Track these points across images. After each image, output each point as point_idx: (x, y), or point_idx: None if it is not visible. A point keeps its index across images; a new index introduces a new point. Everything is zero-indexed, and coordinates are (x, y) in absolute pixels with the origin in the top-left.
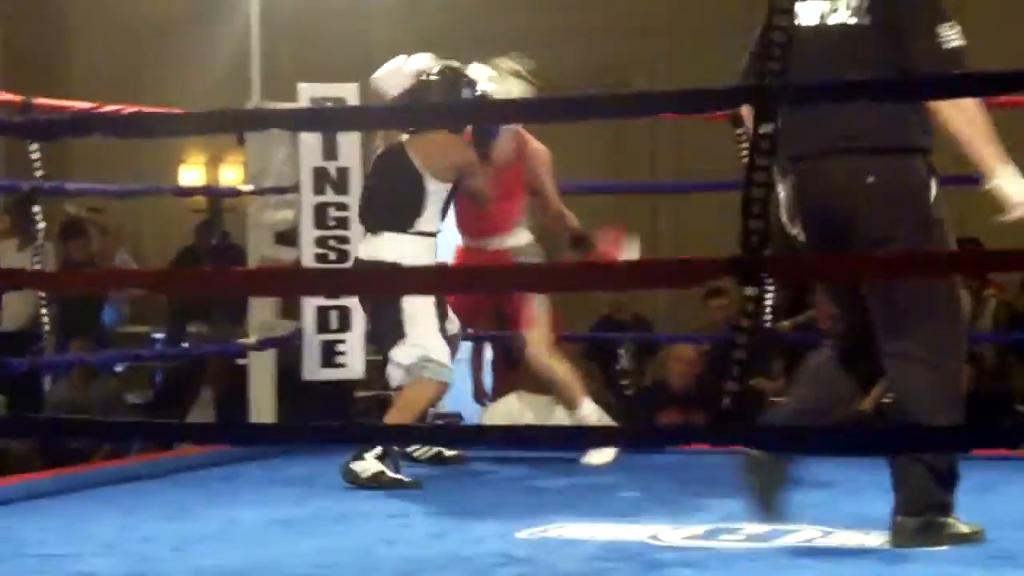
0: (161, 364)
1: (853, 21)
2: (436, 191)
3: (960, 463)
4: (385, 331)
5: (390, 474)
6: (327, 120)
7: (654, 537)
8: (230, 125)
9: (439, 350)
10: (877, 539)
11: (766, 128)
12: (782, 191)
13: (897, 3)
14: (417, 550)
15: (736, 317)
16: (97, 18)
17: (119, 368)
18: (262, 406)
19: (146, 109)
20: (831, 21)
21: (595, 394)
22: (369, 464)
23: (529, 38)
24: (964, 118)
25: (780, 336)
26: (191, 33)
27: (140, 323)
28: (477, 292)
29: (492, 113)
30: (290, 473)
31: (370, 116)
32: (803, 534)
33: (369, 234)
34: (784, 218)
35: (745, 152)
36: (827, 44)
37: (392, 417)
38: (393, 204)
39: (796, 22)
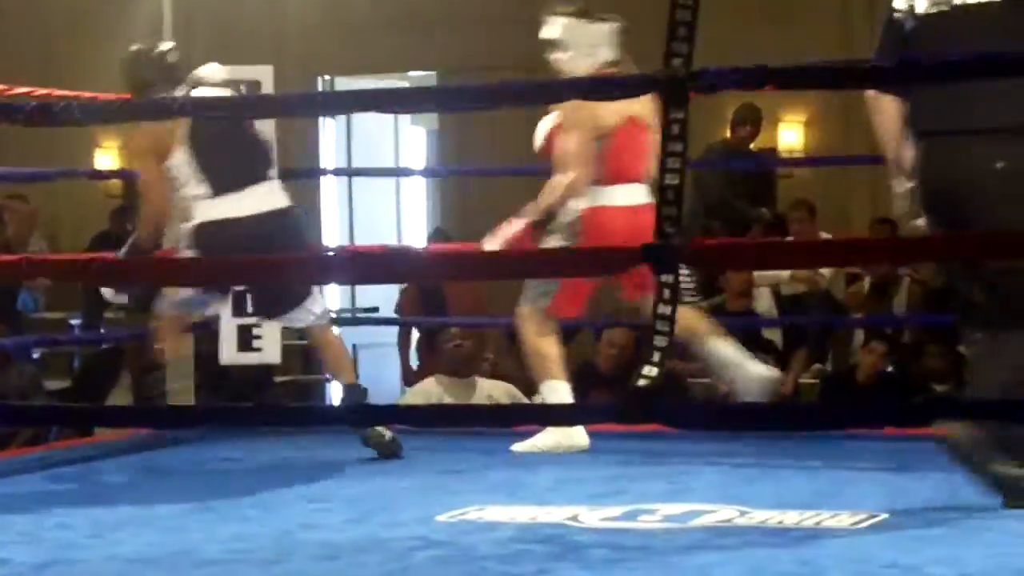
0: (79, 350)
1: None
2: None
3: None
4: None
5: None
6: (231, 107)
7: (573, 519)
8: (135, 112)
9: None
10: (793, 518)
11: (676, 115)
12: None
13: None
14: (336, 534)
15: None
16: None
17: (36, 354)
18: (180, 390)
19: (58, 92)
20: (964, 2)
21: (523, 377)
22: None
23: (449, 24)
24: None
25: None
26: (104, 13)
27: (57, 309)
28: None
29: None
30: (209, 458)
31: (279, 103)
32: (720, 514)
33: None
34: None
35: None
36: (974, 23)
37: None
38: None
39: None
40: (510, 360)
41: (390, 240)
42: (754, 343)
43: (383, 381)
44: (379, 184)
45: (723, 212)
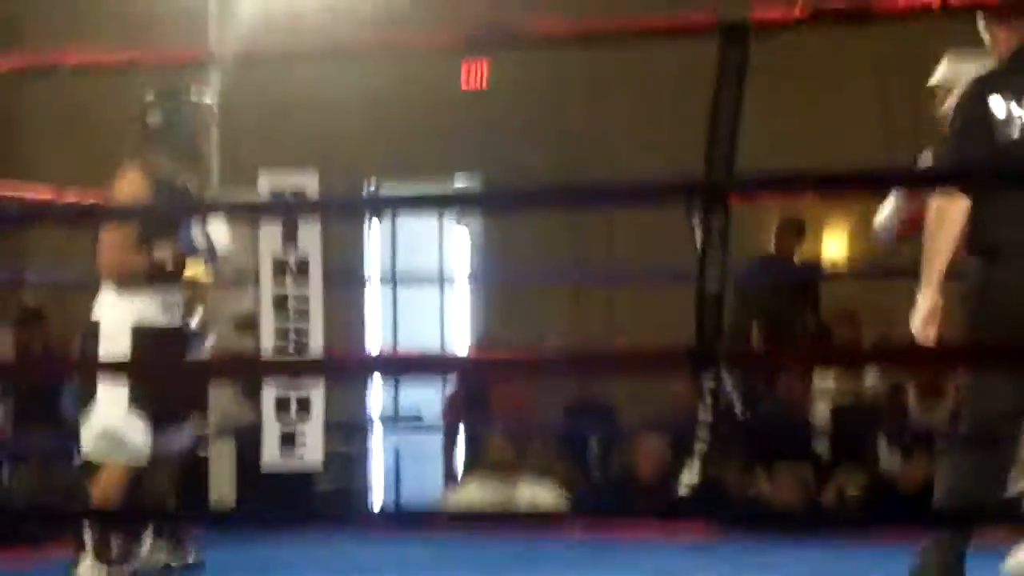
0: None
1: None
2: None
3: None
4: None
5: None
6: (278, 210)
7: None
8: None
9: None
10: None
11: (716, 222)
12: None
13: None
14: None
15: (696, 407)
16: (58, 108)
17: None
18: (221, 493)
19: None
20: None
21: (567, 480)
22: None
23: (477, 130)
24: None
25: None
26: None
27: None
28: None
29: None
30: (250, 561)
31: (322, 207)
32: None
33: None
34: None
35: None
36: None
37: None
38: None
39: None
40: (557, 463)
41: (434, 346)
42: (799, 452)
43: (426, 489)
44: (425, 288)
45: (769, 322)
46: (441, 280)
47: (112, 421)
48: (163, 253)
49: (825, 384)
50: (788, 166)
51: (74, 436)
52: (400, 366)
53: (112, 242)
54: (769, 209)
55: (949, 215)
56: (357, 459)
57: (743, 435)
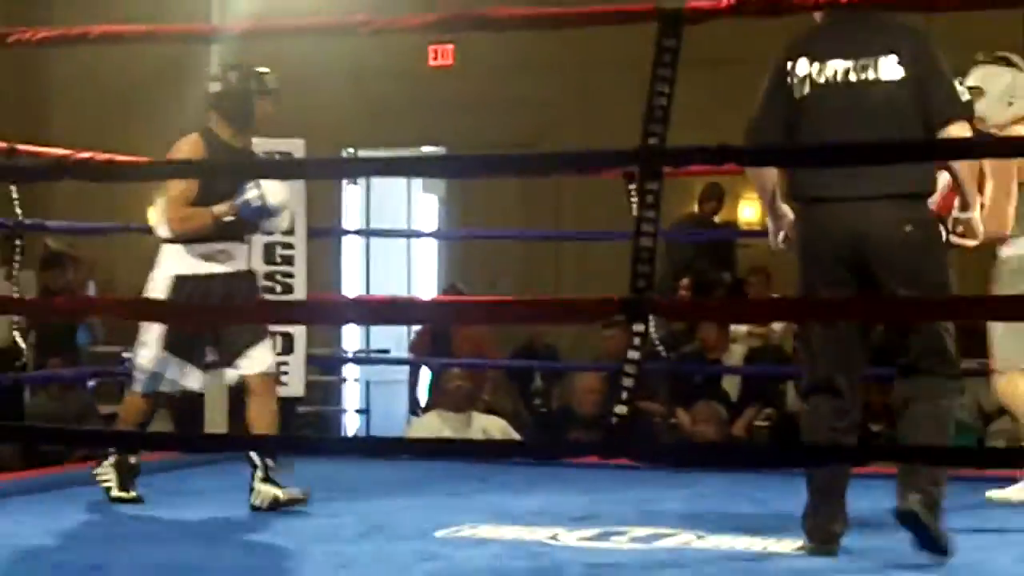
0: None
1: (888, 78)
2: None
3: None
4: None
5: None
6: (269, 170)
7: (554, 538)
8: (186, 173)
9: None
10: (744, 543)
11: (651, 185)
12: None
13: (923, 63)
14: (347, 546)
15: (626, 349)
16: (76, 78)
17: (92, 383)
18: (215, 419)
19: (116, 157)
20: (866, 77)
21: (514, 413)
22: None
23: (459, 106)
24: (968, 167)
25: (668, 364)
26: (157, 93)
27: (112, 343)
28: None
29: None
30: (236, 478)
31: (307, 168)
32: (681, 537)
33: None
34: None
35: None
36: (865, 99)
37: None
38: None
39: (812, 79)
40: (505, 398)
41: (402, 293)
42: (713, 391)
43: (392, 414)
44: (393, 244)
45: (691, 275)
46: (409, 236)
47: (142, 359)
48: (220, 209)
49: (740, 330)
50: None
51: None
52: (371, 309)
53: (173, 199)
54: (695, 177)
55: (760, 173)
56: (333, 387)
57: (667, 375)
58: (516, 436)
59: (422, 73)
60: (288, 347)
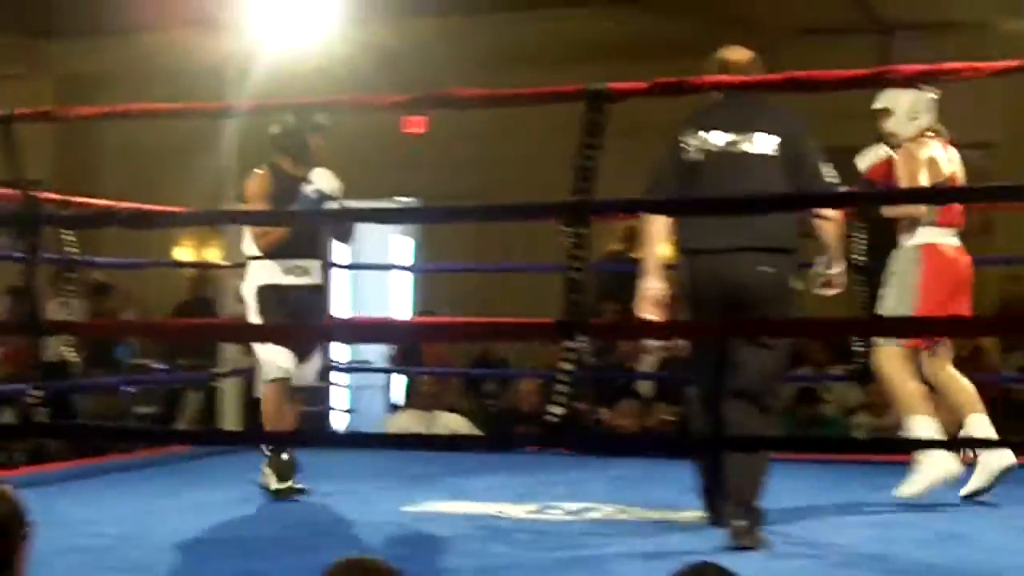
0: (159, 387)
1: (763, 152)
2: None
3: None
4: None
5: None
6: (271, 218)
7: (501, 512)
8: (206, 221)
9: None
10: (657, 514)
11: (579, 230)
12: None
13: (795, 143)
14: (327, 517)
15: (561, 361)
16: (121, 145)
17: (131, 389)
18: (230, 417)
19: (150, 208)
20: (744, 149)
21: (472, 411)
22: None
23: (427, 164)
24: (834, 228)
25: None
26: (184, 157)
27: (146, 357)
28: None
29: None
30: (246, 466)
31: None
32: (605, 510)
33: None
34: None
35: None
36: (741, 167)
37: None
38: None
39: (700, 148)
40: (464, 399)
41: (383, 314)
42: (630, 392)
43: (373, 413)
44: (376, 277)
45: (614, 301)
46: (387, 268)
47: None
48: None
49: (655, 343)
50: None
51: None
52: (358, 329)
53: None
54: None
55: (649, 223)
56: (323, 392)
57: (593, 380)
58: (474, 430)
59: (397, 137)
60: None
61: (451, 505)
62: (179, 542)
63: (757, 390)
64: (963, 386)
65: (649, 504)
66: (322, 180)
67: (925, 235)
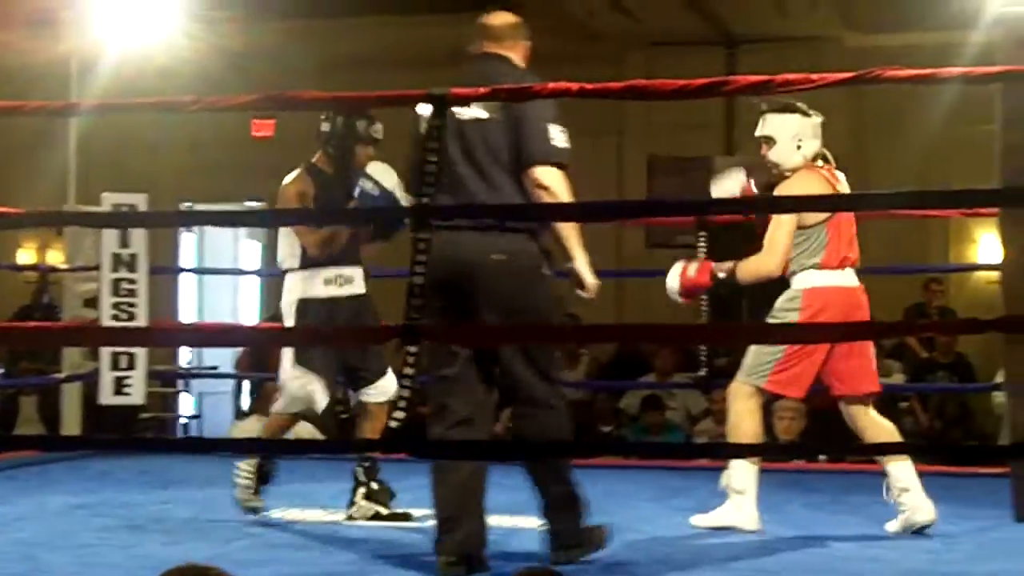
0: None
1: (478, 117)
2: None
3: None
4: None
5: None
6: (116, 220)
7: (349, 518)
8: (49, 222)
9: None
10: (497, 520)
11: (422, 235)
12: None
13: (517, 107)
14: (178, 525)
15: (404, 366)
16: None
17: None
18: (70, 422)
19: None
20: (469, 116)
21: (319, 417)
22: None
23: (275, 168)
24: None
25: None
26: (29, 156)
27: None
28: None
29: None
30: (88, 471)
31: (148, 219)
32: None
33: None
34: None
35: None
36: (466, 135)
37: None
38: None
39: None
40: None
41: (229, 320)
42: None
43: (220, 420)
44: (223, 281)
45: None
46: (236, 273)
47: (289, 380)
48: (333, 230)
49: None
50: None
51: None
52: (203, 334)
53: (303, 231)
54: None
55: None
56: (171, 397)
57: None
58: (320, 436)
59: (247, 140)
60: (131, 364)
61: (297, 512)
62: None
63: (539, 394)
64: (884, 429)
65: (493, 510)
66: (382, 175)
67: (809, 279)
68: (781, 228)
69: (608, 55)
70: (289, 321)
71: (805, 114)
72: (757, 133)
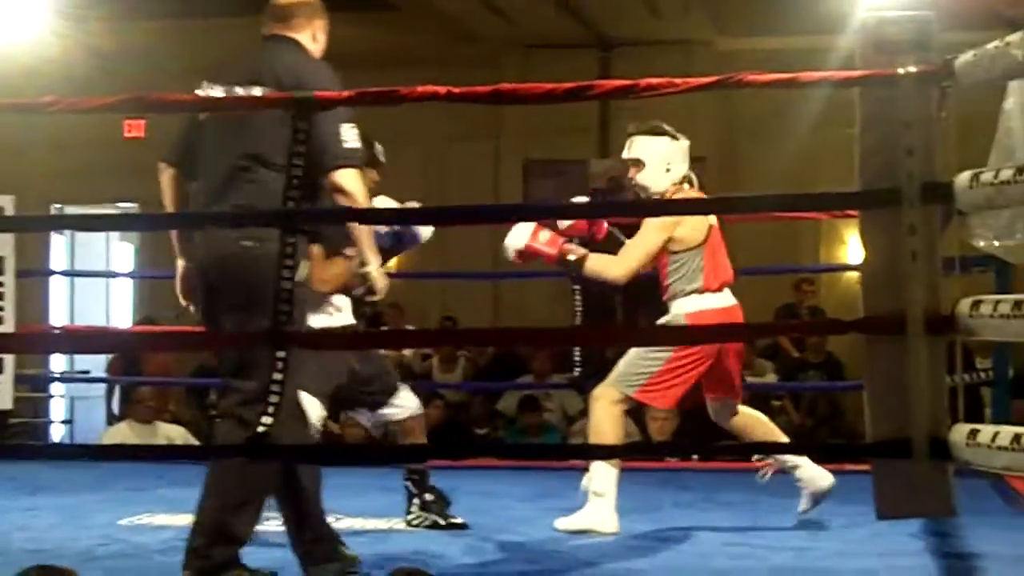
0: None
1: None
2: None
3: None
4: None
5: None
6: None
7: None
8: None
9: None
10: (372, 523)
11: (290, 239)
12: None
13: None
14: (42, 534)
15: (272, 372)
16: None
17: None
18: None
19: None
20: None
21: (194, 421)
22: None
23: (148, 169)
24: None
25: None
26: None
27: None
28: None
29: None
30: None
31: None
32: None
33: None
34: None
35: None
36: (231, 122)
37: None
38: None
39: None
40: (186, 409)
41: (102, 323)
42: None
43: (92, 425)
44: (95, 284)
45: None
46: (107, 276)
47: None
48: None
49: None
50: None
51: None
52: (73, 339)
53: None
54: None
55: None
56: (42, 402)
57: None
58: (194, 441)
59: (119, 141)
60: None
61: (168, 517)
62: None
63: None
64: (758, 420)
65: (366, 513)
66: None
67: (691, 303)
68: (641, 245)
69: (485, 58)
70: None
71: (674, 137)
72: (625, 155)
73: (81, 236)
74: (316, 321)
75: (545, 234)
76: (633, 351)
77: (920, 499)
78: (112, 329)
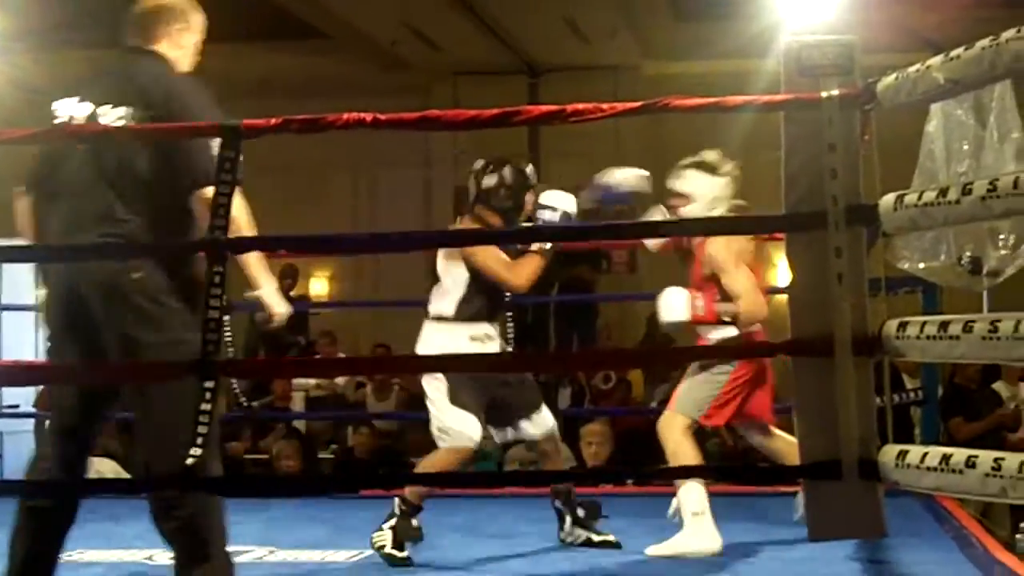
0: None
1: (123, 123)
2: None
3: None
4: None
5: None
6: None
7: (150, 559)
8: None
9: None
10: (306, 555)
11: (217, 268)
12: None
13: (162, 119)
14: None
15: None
16: None
17: None
18: None
19: None
20: (104, 119)
21: (125, 456)
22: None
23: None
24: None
25: (249, 413)
26: None
27: None
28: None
29: None
30: None
31: None
32: (255, 553)
33: None
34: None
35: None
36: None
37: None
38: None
39: (65, 116)
40: (117, 443)
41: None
42: (292, 430)
43: (22, 461)
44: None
45: (269, 340)
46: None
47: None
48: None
49: (309, 382)
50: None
51: None
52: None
53: (500, 265)
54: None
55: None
56: None
57: (252, 420)
58: (125, 475)
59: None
60: None
61: (98, 553)
62: None
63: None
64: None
65: (301, 544)
66: (562, 201)
67: (731, 329)
68: (746, 281)
69: (416, 85)
70: (435, 383)
71: (719, 174)
72: (672, 185)
73: (8, 268)
74: (471, 348)
75: (700, 303)
76: (693, 377)
77: (851, 520)
78: (42, 363)
